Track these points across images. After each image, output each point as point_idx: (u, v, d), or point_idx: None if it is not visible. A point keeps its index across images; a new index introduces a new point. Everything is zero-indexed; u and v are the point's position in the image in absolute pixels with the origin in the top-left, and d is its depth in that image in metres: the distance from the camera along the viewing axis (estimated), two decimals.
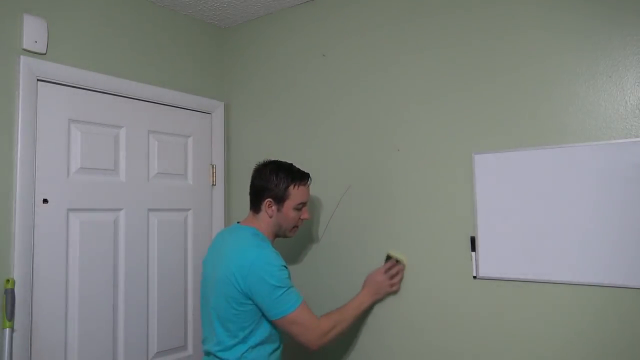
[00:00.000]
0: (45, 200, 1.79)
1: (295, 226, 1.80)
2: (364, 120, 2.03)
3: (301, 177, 1.77)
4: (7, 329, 1.63)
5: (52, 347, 1.78)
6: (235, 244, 1.69)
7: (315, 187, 2.16)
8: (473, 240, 1.73)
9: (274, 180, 1.73)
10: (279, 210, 1.74)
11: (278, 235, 1.80)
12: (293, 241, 2.20)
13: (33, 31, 1.78)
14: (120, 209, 2.04)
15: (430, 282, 1.83)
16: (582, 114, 1.56)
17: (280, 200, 1.73)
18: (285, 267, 1.63)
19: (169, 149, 2.24)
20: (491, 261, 1.69)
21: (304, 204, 1.78)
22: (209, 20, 2.45)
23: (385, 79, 1.98)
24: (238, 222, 1.84)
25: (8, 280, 1.65)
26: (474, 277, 1.73)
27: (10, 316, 1.63)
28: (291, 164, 1.82)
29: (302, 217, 1.79)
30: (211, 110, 2.45)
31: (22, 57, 1.75)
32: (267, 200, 1.74)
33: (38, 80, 1.80)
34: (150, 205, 2.14)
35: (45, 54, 1.82)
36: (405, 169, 1.91)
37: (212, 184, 2.42)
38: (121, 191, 2.05)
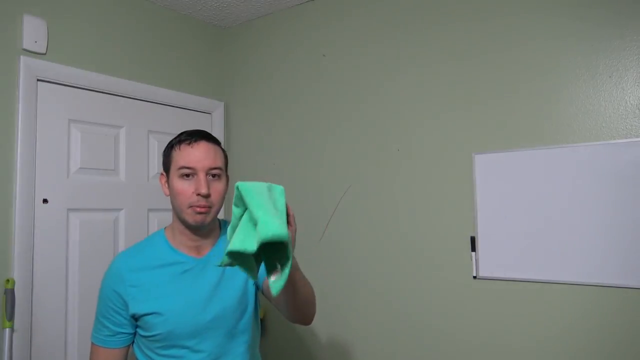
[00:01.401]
0: (45, 200, 1.79)
1: (193, 206, 1.27)
2: (364, 120, 2.03)
3: (186, 135, 1.33)
4: (7, 329, 1.63)
5: (52, 347, 1.78)
6: None
7: (315, 187, 2.16)
8: (473, 240, 1.73)
9: (164, 150, 1.37)
10: (169, 184, 1.32)
11: (183, 223, 1.32)
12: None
13: (33, 31, 1.78)
14: (120, 209, 2.04)
15: (430, 282, 1.83)
16: (582, 114, 1.56)
17: (167, 169, 1.33)
18: (110, 288, 1.29)
19: None
20: (491, 261, 1.69)
21: (189, 168, 1.27)
22: (209, 20, 2.45)
23: (385, 79, 1.98)
24: None
25: (8, 280, 1.65)
26: (474, 277, 1.73)
27: (10, 316, 1.63)
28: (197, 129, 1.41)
29: (195, 191, 1.27)
30: (211, 110, 2.45)
31: (22, 57, 1.75)
32: (160, 175, 1.37)
33: (38, 80, 1.80)
34: (150, 205, 2.14)
35: (45, 54, 1.82)
36: (405, 169, 1.91)
37: None
38: (121, 191, 2.05)
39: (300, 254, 2.20)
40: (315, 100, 2.19)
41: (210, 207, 1.31)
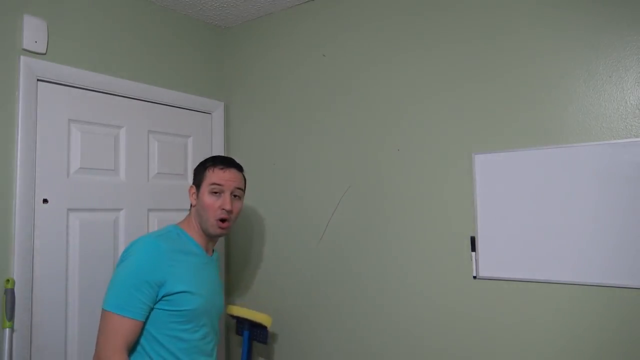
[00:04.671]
0: (45, 200, 1.79)
1: (220, 219, 1.58)
2: (364, 120, 2.03)
3: (220, 161, 1.65)
4: (7, 328, 1.63)
5: (52, 347, 1.78)
6: None
7: (315, 187, 2.16)
8: (473, 240, 1.73)
9: (197, 168, 1.69)
10: (198, 196, 1.62)
11: (203, 230, 1.61)
12: (293, 241, 2.21)
13: (33, 31, 1.78)
14: (120, 209, 2.04)
15: (430, 282, 1.83)
16: (582, 114, 1.56)
17: (198, 184, 1.64)
18: (150, 265, 1.43)
19: (169, 149, 2.24)
20: (491, 261, 1.69)
21: (219, 185, 1.59)
22: (209, 20, 2.45)
23: (385, 79, 1.98)
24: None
25: (8, 280, 1.65)
26: (474, 277, 1.73)
27: (10, 316, 1.63)
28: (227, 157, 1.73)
29: (221, 206, 1.58)
30: (211, 110, 2.45)
31: (22, 57, 1.75)
32: (190, 187, 1.67)
33: (38, 80, 1.80)
34: (150, 205, 2.15)
35: (45, 54, 1.82)
36: (405, 169, 1.91)
37: None
38: (121, 191, 2.05)
39: (299, 254, 2.20)
40: (315, 100, 2.19)
41: (229, 222, 1.62)
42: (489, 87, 1.73)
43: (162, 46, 2.25)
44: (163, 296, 1.45)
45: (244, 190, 1.69)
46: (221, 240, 2.42)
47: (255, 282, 2.35)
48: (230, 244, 2.46)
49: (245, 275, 2.38)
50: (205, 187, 1.60)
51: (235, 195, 1.63)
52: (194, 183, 1.66)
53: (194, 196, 1.64)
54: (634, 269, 1.44)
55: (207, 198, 1.59)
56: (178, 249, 1.53)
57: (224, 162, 1.65)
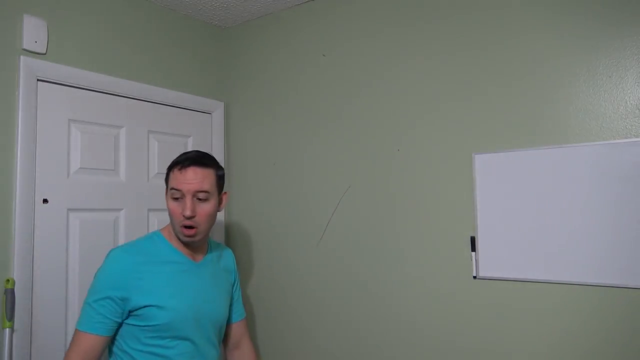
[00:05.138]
0: (45, 200, 1.79)
1: (185, 227, 1.46)
2: (364, 120, 2.03)
3: (181, 160, 1.49)
4: (7, 329, 1.63)
5: (52, 347, 1.78)
6: None
7: (315, 187, 2.16)
8: (473, 240, 1.73)
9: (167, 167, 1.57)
10: (167, 201, 1.51)
11: (176, 236, 1.52)
12: (292, 241, 2.21)
13: (33, 31, 1.78)
14: (120, 209, 2.04)
15: (430, 282, 1.83)
16: (582, 114, 1.56)
17: (166, 189, 1.53)
18: (113, 280, 1.39)
19: (169, 149, 2.24)
20: (491, 261, 1.69)
21: (177, 190, 1.45)
22: (209, 20, 2.45)
23: (386, 79, 1.98)
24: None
25: (8, 280, 1.65)
26: (474, 277, 1.73)
27: (10, 316, 1.63)
28: (196, 152, 1.56)
29: (182, 212, 1.44)
30: (211, 110, 2.45)
31: (22, 57, 1.75)
32: (165, 189, 1.56)
33: (38, 80, 1.80)
34: (150, 205, 2.15)
35: (45, 54, 1.82)
36: (405, 169, 1.91)
37: None
38: (121, 191, 2.05)
39: (298, 255, 2.20)
40: (315, 100, 2.19)
41: (196, 227, 1.46)
42: (489, 87, 1.73)
43: (162, 46, 2.25)
44: (130, 311, 1.40)
45: (210, 191, 1.48)
46: (220, 240, 2.42)
47: (255, 282, 2.34)
48: (230, 244, 2.46)
49: (245, 276, 2.38)
50: (168, 191, 1.50)
51: (200, 198, 1.46)
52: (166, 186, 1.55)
53: (166, 198, 1.53)
54: (634, 269, 1.44)
55: (170, 204, 1.48)
56: (150, 260, 1.46)
57: (185, 161, 1.48)
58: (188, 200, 1.44)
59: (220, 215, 2.44)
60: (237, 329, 1.78)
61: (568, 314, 1.55)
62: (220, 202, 1.55)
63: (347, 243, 2.05)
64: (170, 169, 1.52)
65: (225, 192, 1.59)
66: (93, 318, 1.38)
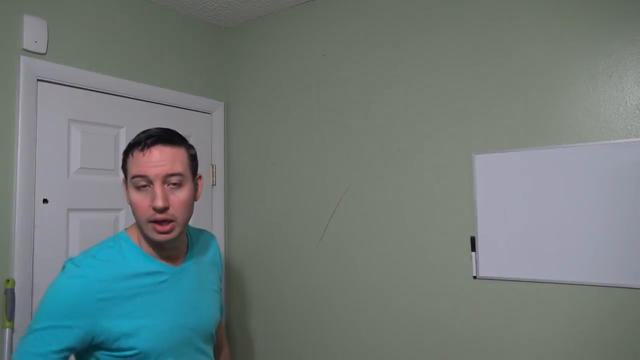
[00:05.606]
0: (45, 200, 1.79)
1: (152, 222, 1.12)
2: (364, 120, 2.03)
3: (141, 140, 1.14)
4: (7, 329, 1.63)
5: None
6: None
7: (315, 187, 2.16)
8: (473, 240, 1.73)
9: (122, 154, 1.21)
10: (128, 194, 1.17)
11: (146, 238, 1.17)
12: (292, 241, 2.20)
13: (33, 31, 1.78)
14: (120, 209, 2.04)
15: (430, 282, 1.83)
16: (582, 114, 1.56)
17: (125, 179, 1.18)
18: (70, 308, 1.07)
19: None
20: (491, 261, 1.69)
21: (141, 177, 1.12)
22: (209, 20, 2.45)
23: (385, 79, 1.98)
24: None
25: (8, 280, 1.65)
26: (474, 277, 1.73)
27: (10, 316, 1.63)
28: (157, 128, 1.20)
29: (152, 205, 1.11)
30: (211, 110, 2.45)
31: (22, 57, 1.75)
32: (122, 182, 1.21)
33: (38, 80, 1.80)
34: None
35: (45, 54, 1.82)
36: (406, 169, 1.91)
37: (212, 184, 2.42)
38: (121, 191, 2.04)
39: (299, 255, 2.20)
40: (315, 100, 2.19)
41: (172, 221, 1.13)
42: (489, 87, 1.73)
43: (162, 46, 2.25)
44: (96, 343, 1.10)
45: (184, 173, 1.15)
46: (220, 239, 2.42)
47: (255, 282, 2.34)
48: (230, 244, 2.46)
49: (245, 276, 2.38)
50: (128, 181, 1.15)
51: (174, 184, 1.14)
52: (124, 175, 1.20)
53: (125, 193, 1.18)
54: (634, 269, 1.44)
55: (133, 196, 1.13)
56: (118, 273, 1.13)
57: (146, 139, 1.13)
58: (158, 187, 1.11)
59: (220, 215, 2.43)
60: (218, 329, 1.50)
61: (568, 314, 1.55)
62: (196, 188, 1.22)
63: (347, 243, 2.05)
64: (127, 152, 1.16)
65: (200, 176, 1.24)
66: (42, 347, 1.06)
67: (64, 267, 1.15)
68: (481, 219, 1.71)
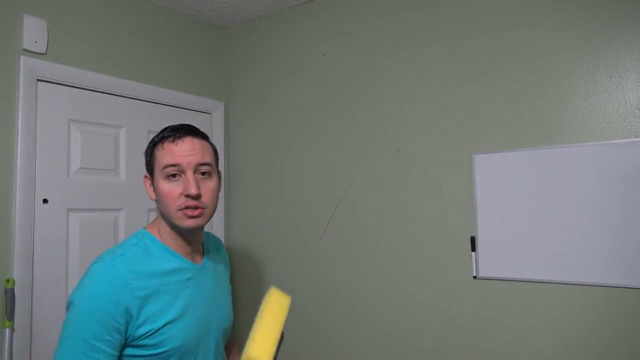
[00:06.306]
0: (45, 200, 1.79)
1: (183, 210, 1.14)
2: (364, 120, 2.03)
3: (170, 133, 1.19)
4: (7, 329, 1.63)
5: (52, 347, 1.76)
6: None
7: (315, 187, 2.16)
8: (473, 240, 1.73)
9: (146, 149, 1.25)
10: (154, 187, 1.19)
11: (175, 229, 1.19)
12: (292, 241, 2.21)
13: (33, 31, 1.78)
14: (120, 209, 2.04)
15: (430, 282, 1.83)
16: (582, 114, 1.56)
17: (151, 171, 1.21)
18: (104, 308, 1.04)
19: None
20: (491, 261, 1.69)
21: (173, 166, 1.14)
22: (209, 20, 2.45)
23: (386, 79, 1.98)
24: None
25: (8, 280, 1.65)
26: (474, 277, 1.73)
27: (10, 316, 1.63)
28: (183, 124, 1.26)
29: (183, 192, 1.14)
30: (211, 110, 2.45)
31: (22, 57, 1.75)
32: (144, 177, 1.24)
33: (38, 80, 1.80)
34: (150, 205, 2.14)
35: (45, 54, 1.82)
36: (405, 169, 1.91)
37: None
38: (121, 191, 2.05)
39: (299, 254, 2.20)
40: (315, 100, 2.19)
41: (203, 209, 1.16)
42: (489, 87, 1.73)
43: (162, 46, 2.25)
44: (133, 340, 1.08)
45: (213, 164, 1.22)
46: (220, 239, 2.41)
47: (254, 282, 2.34)
48: (231, 244, 2.46)
49: (245, 276, 2.38)
50: (158, 172, 1.17)
51: (203, 173, 1.18)
52: (147, 170, 1.23)
53: (151, 188, 1.21)
54: (634, 269, 1.44)
55: (164, 185, 1.15)
56: (145, 272, 1.12)
57: (177, 131, 1.18)
58: (190, 175, 1.14)
59: (221, 215, 2.43)
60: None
61: (568, 314, 1.55)
62: (219, 181, 1.28)
63: (347, 243, 2.05)
64: (154, 146, 1.21)
65: (219, 173, 1.29)
66: (95, 357, 1.04)
67: (90, 270, 1.11)
68: (481, 219, 1.71)
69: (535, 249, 1.61)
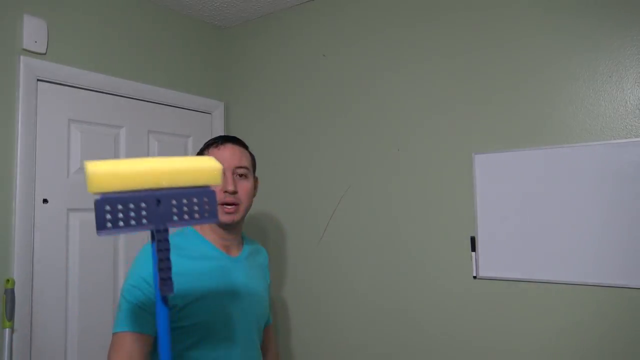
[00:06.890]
0: (45, 200, 1.79)
1: (222, 204, 1.35)
2: (364, 120, 2.03)
3: (214, 141, 1.44)
4: (7, 329, 1.63)
5: (52, 347, 1.78)
6: None
7: (314, 188, 2.16)
8: (473, 240, 1.73)
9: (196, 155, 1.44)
10: None
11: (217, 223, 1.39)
12: (292, 240, 2.21)
13: (33, 31, 1.78)
14: None
15: (430, 282, 1.83)
16: (582, 114, 1.56)
17: None
18: (141, 283, 1.22)
19: (169, 149, 2.24)
20: (491, 261, 1.69)
21: None
22: (209, 20, 2.45)
23: (386, 79, 1.99)
24: None
25: (8, 280, 1.65)
26: (474, 277, 1.73)
27: (10, 316, 1.63)
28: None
29: (223, 189, 1.34)
30: (211, 110, 2.45)
31: (22, 57, 1.75)
32: None
33: (38, 80, 1.80)
34: None
35: (45, 54, 1.82)
36: (405, 169, 1.91)
37: None
38: None
39: (299, 255, 2.20)
40: (315, 100, 2.19)
41: (238, 205, 1.37)
42: (489, 87, 1.73)
43: (162, 46, 2.25)
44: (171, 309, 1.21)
45: (249, 168, 1.43)
46: None
47: None
48: None
49: None
50: None
51: (240, 175, 1.39)
52: None
53: None
54: (634, 269, 1.44)
55: None
56: (184, 254, 1.32)
57: (218, 139, 1.44)
58: (229, 175, 1.36)
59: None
60: (265, 334, 1.62)
61: (568, 314, 1.55)
62: (255, 185, 1.48)
63: (347, 243, 2.05)
64: (202, 152, 1.44)
65: (257, 178, 1.51)
66: (142, 317, 1.20)
67: (143, 248, 1.32)
68: (481, 219, 1.71)
69: (535, 249, 1.61)
